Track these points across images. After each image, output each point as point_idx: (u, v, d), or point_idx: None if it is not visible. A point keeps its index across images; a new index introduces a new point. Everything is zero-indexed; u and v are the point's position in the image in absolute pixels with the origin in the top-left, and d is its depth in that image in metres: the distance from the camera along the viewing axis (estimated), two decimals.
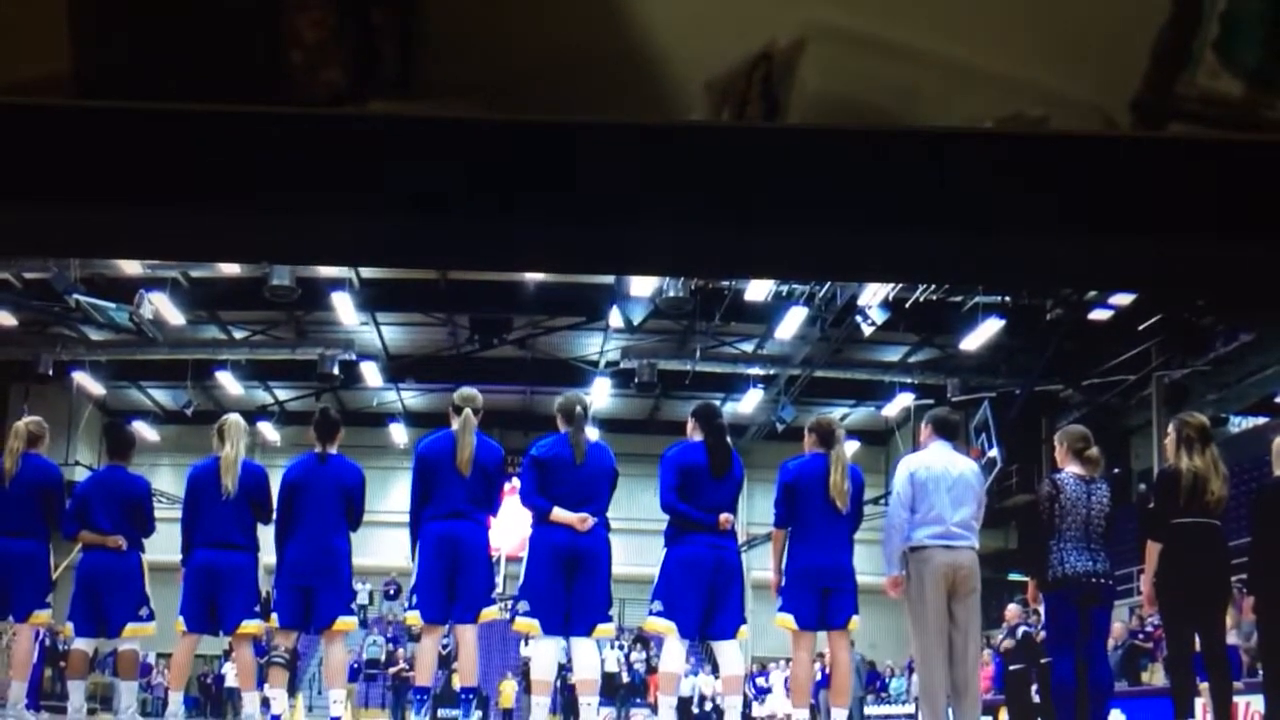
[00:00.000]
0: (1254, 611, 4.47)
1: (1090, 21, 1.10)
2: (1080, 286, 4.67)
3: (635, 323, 13.96)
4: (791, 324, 13.85)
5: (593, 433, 4.97)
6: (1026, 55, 1.13)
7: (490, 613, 4.69)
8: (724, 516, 4.71)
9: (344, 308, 14.05)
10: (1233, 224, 1.09)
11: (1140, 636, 7.86)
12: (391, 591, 16.01)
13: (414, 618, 4.66)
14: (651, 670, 12.92)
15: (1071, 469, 4.64)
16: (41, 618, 5.23)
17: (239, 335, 14.85)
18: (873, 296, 11.25)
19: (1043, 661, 6.71)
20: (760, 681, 13.79)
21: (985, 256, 1.13)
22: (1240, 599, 6.02)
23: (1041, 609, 5.13)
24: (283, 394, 16.73)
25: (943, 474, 4.55)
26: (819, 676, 9.38)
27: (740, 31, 1.09)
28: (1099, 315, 11.78)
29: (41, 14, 1.02)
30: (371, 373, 15.94)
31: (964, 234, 1.10)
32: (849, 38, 1.08)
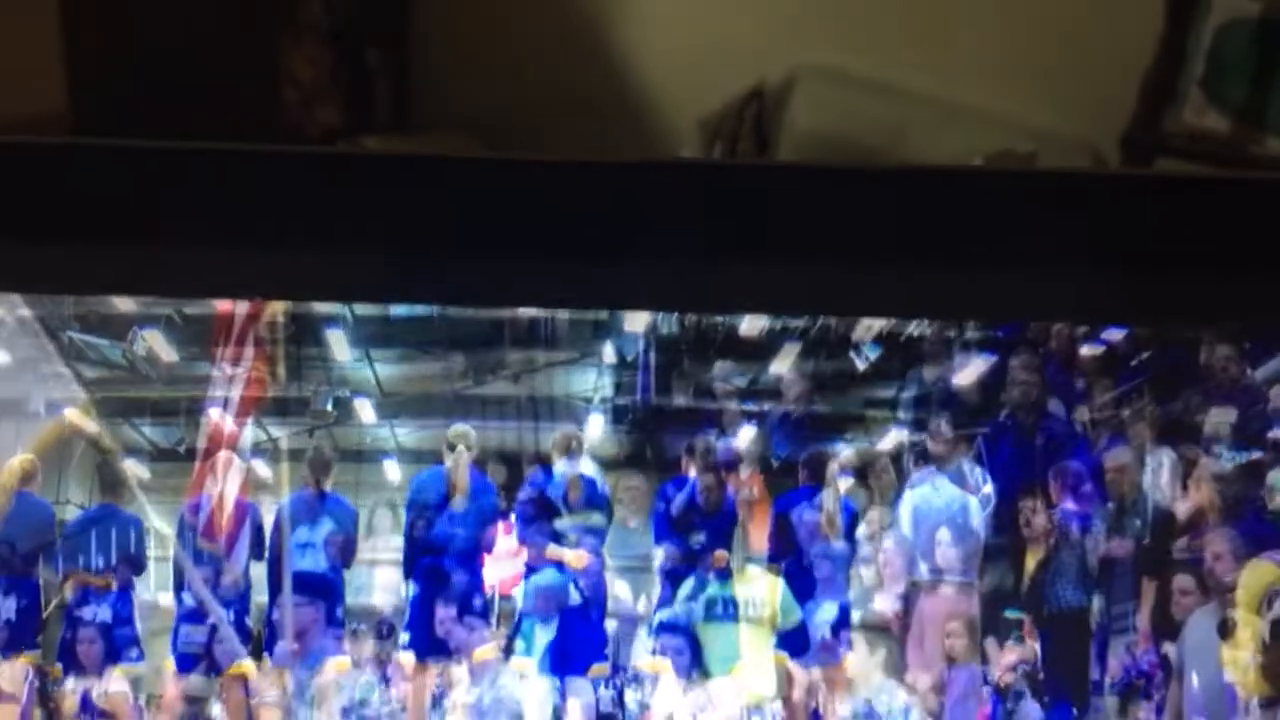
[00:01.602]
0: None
1: (1079, 60, 1.13)
2: (1071, 321, 4.71)
3: (629, 359, 13.99)
4: (785, 360, 13.89)
5: (588, 467, 4.97)
6: (1016, 93, 1.16)
7: (484, 652, 4.66)
8: (718, 553, 4.70)
9: (338, 344, 14.05)
10: (1221, 259, 1.11)
11: (1135, 674, 7.82)
12: (384, 631, 15.92)
13: (406, 658, 4.63)
14: (646, 709, 12.82)
15: (1067, 505, 4.65)
16: (30, 657, 5.19)
17: (232, 372, 14.83)
18: (866, 332, 11.28)
19: (1043, 699, 6.66)
20: None
21: (976, 293, 1.14)
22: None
23: (1038, 646, 5.13)
24: (275, 431, 16.66)
25: (943, 508, 4.56)
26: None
27: (733, 71, 1.12)
28: (1091, 350, 11.85)
29: (38, 53, 1.04)
30: (365, 409, 15.91)
31: (953, 271, 1.12)
32: (840, 77, 1.10)
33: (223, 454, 4.87)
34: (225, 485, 4.70)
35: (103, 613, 5.59)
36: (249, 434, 4.40)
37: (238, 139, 1.03)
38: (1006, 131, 0.99)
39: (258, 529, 5.05)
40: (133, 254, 1.03)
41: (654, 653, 4.41)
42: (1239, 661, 3.48)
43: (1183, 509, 4.88)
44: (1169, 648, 4.20)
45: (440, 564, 4.79)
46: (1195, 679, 4.00)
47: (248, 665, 4.84)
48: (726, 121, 1.01)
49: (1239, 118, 1.04)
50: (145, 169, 1.00)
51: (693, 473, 4.98)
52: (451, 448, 5.07)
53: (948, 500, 4.73)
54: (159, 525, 4.63)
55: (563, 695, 4.73)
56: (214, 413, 4.52)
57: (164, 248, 1.02)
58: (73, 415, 3.96)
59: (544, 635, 4.65)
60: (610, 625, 4.77)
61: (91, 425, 4.00)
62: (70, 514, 6.76)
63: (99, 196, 1.00)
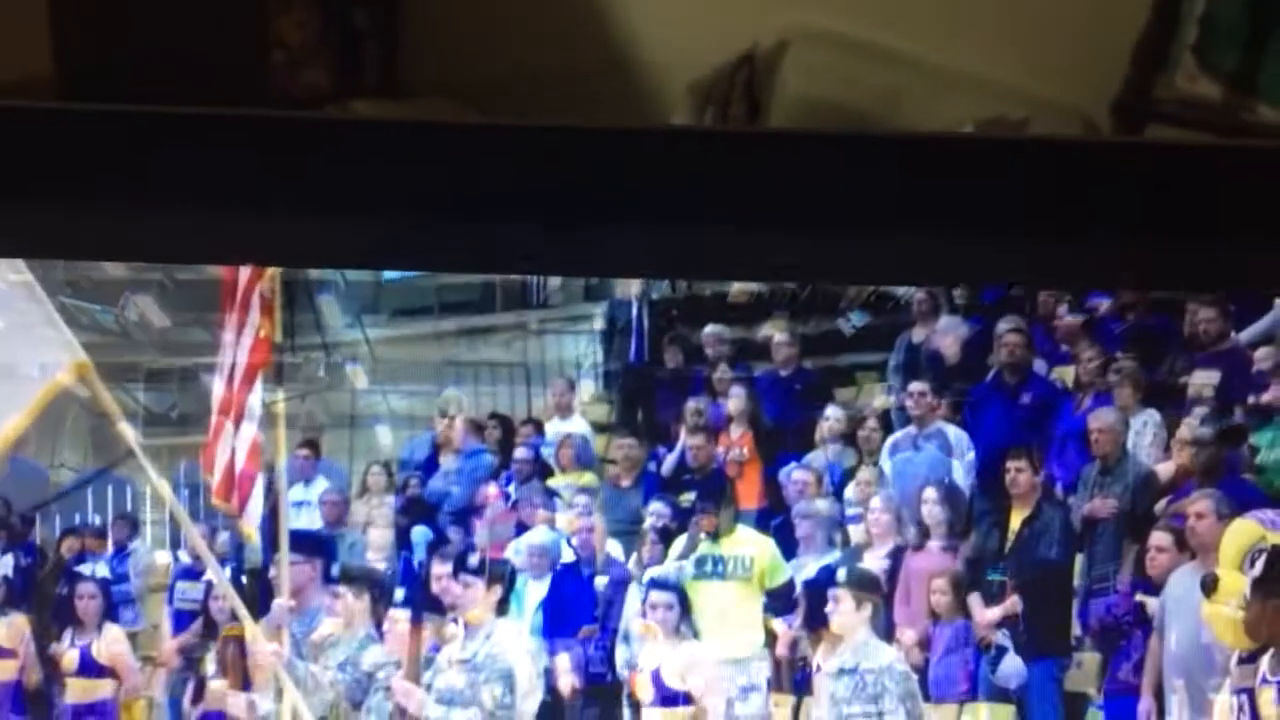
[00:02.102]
0: None
1: (1072, 26, 1.13)
2: (1062, 287, 4.71)
3: (619, 325, 14.00)
4: (775, 323, 13.90)
5: (580, 426, 5.00)
6: (1008, 59, 1.16)
7: (475, 615, 4.71)
8: (706, 519, 4.75)
9: (330, 310, 14.03)
10: (1210, 224, 1.12)
11: (1116, 631, 7.91)
12: (378, 594, 16.07)
13: (401, 614, 4.68)
14: (634, 668, 12.96)
15: (1051, 464, 4.70)
16: (27, 620, 5.22)
17: (237, 337, 14.75)
18: (853, 301, 11.29)
19: (1026, 655, 6.74)
20: (741, 680, 13.84)
21: (967, 258, 1.16)
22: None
23: (1021, 603, 5.20)
24: (270, 396, 16.62)
25: (929, 469, 4.61)
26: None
27: (724, 35, 1.12)
28: (1074, 314, 11.85)
29: (24, 17, 1.04)
30: (358, 375, 15.92)
31: (944, 236, 1.13)
32: (832, 42, 1.11)
33: (231, 417, 4.87)
34: (237, 447, 4.69)
35: (100, 569, 5.64)
36: (256, 398, 4.39)
37: (225, 102, 1.03)
38: (998, 97, 1.01)
39: (265, 490, 5.08)
40: (119, 219, 1.04)
41: (643, 615, 4.45)
42: (1220, 617, 3.54)
43: (1166, 469, 4.94)
44: (1148, 601, 4.26)
45: (434, 521, 4.84)
46: (1175, 634, 4.07)
47: (243, 627, 4.89)
48: (717, 86, 1.01)
49: (1231, 84, 1.05)
50: (130, 133, 1.00)
51: (683, 434, 5.01)
52: (443, 413, 5.11)
53: (933, 461, 4.78)
54: (155, 488, 4.63)
55: (552, 653, 4.78)
56: (220, 377, 4.50)
57: (149, 212, 1.02)
58: (65, 377, 3.94)
59: (536, 592, 4.70)
60: (600, 582, 4.82)
61: (85, 389, 3.98)
62: (64, 477, 6.77)
63: (84, 161, 1.01)
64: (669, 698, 4.33)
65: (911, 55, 1.07)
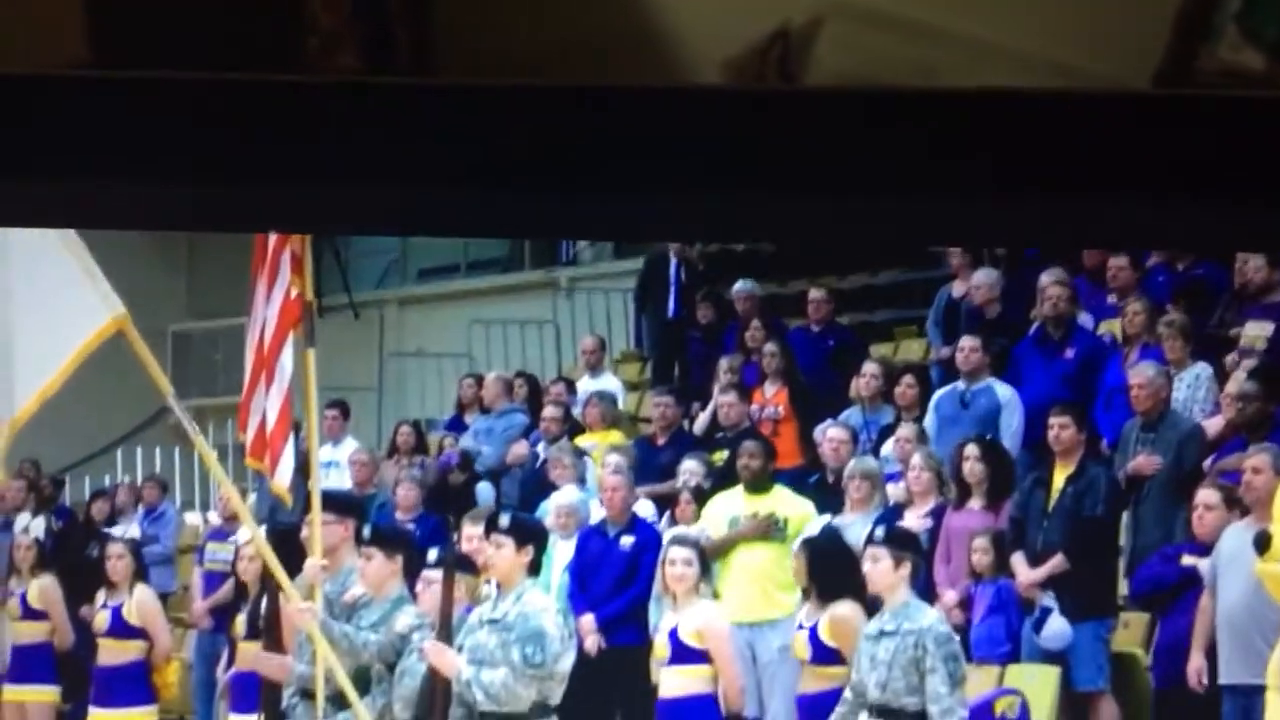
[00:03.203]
0: None
1: None
2: (1103, 246, 4.52)
3: (653, 281, 13.90)
4: (813, 278, 13.76)
5: (611, 384, 4.94)
6: (1046, 28, 1.07)
7: (510, 570, 4.68)
8: (742, 472, 4.68)
9: (358, 269, 14.01)
10: (1256, 185, 1.02)
11: (1165, 587, 7.87)
12: (412, 550, 16.35)
13: (434, 574, 4.66)
14: (663, 626, 13.03)
15: (1097, 420, 4.58)
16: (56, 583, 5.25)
17: (270, 293, 14.82)
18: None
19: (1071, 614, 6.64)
20: (776, 641, 13.82)
21: (1008, 218, 1.09)
22: None
23: (1067, 562, 5.09)
24: (298, 356, 16.69)
25: (972, 423, 4.51)
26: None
27: (758, 10, 1.04)
28: (1121, 263, 11.59)
29: None
30: (391, 328, 15.98)
31: (984, 197, 1.04)
32: (867, 12, 1.03)
33: (263, 376, 4.79)
34: (268, 408, 4.60)
35: (131, 530, 5.62)
36: (288, 357, 4.27)
37: (255, 72, 0.97)
38: (1036, 71, 0.94)
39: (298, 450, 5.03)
40: (146, 188, 0.99)
41: (673, 564, 4.33)
42: (1273, 575, 3.40)
43: (1214, 425, 4.78)
44: (1199, 561, 4.13)
45: (467, 482, 4.80)
46: (1227, 593, 3.95)
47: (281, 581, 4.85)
48: (751, 59, 0.95)
49: (1275, 54, 0.96)
50: (160, 102, 0.95)
51: (715, 392, 4.92)
52: (474, 364, 5.07)
53: (980, 419, 4.65)
54: (192, 443, 4.54)
55: (578, 612, 4.73)
56: (252, 337, 4.39)
57: (179, 181, 0.96)
58: (105, 330, 3.80)
59: (564, 552, 4.65)
60: (627, 541, 4.75)
61: (132, 333, 3.84)
62: (102, 425, 6.70)
63: (108, 131, 0.96)
64: (686, 655, 4.21)
65: (947, 28, 0.98)
